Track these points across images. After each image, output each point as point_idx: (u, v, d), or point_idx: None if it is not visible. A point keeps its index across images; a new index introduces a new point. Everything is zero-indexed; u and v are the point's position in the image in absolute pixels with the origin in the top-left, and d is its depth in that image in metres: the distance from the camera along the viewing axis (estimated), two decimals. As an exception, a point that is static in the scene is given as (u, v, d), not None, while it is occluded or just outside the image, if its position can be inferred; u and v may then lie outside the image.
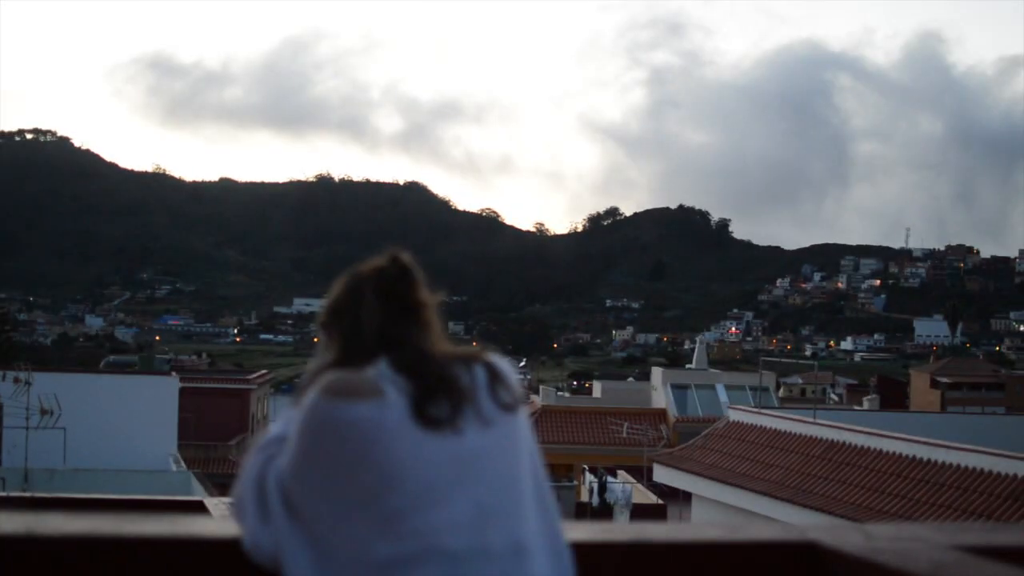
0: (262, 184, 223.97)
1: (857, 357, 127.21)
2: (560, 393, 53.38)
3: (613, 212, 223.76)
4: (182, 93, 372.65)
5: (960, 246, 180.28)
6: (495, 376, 2.03)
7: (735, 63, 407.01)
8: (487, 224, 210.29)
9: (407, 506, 1.84)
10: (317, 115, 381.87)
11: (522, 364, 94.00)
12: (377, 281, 2.04)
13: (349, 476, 1.87)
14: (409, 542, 1.82)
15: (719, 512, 17.51)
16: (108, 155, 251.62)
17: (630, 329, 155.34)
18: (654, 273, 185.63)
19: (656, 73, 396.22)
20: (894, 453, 15.44)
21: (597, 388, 51.34)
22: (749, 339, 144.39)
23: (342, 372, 1.95)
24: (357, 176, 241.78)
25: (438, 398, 1.92)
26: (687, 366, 54.22)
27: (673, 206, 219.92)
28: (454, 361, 2.01)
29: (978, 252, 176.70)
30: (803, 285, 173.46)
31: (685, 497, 20.92)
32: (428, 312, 2.05)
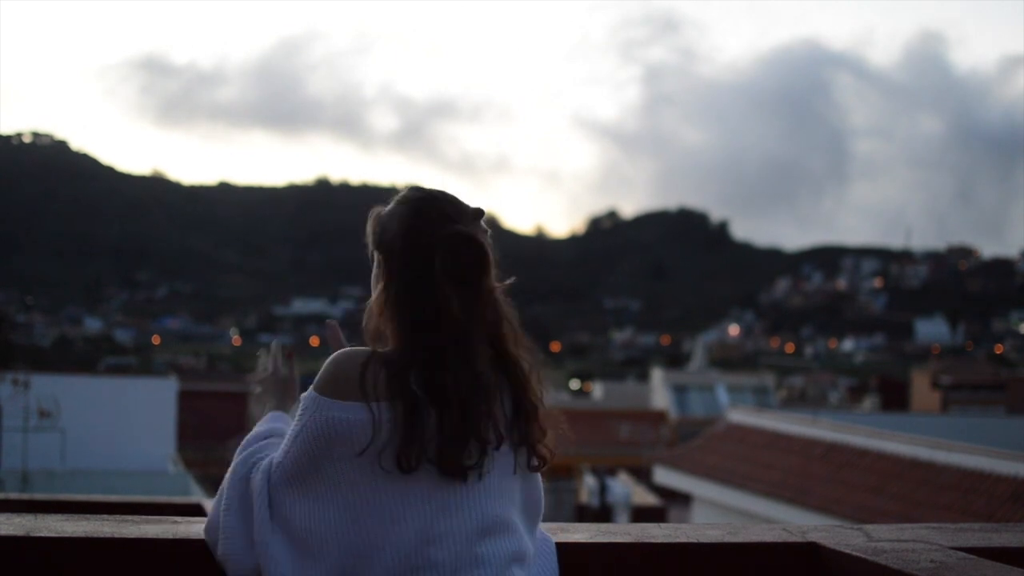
0: (260, 188, 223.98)
1: (858, 358, 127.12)
2: (559, 395, 53.36)
3: (612, 214, 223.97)
4: (179, 95, 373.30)
5: (961, 247, 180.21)
6: (529, 426, 1.90)
7: (733, 61, 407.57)
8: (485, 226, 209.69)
9: (397, 514, 1.79)
10: (312, 115, 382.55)
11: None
12: (448, 259, 1.86)
13: (337, 477, 1.81)
14: (400, 550, 1.77)
15: (719, 513, 17.51)
16: (106, 157, 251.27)
17: (630, 330, 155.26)
18: (654, 274, 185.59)
19: (653, 72, 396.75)
20: (895, 454, 15.44)
21: (597, 389, 51.35)
22: (750, 337, 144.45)
23: (357, 359, 1.85)
24: (355, 179, 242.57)
25: (452, 456, 1.80)
26: (687, 367, 54.25)
27: (672, 205, 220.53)
28: (494, 393, 1.85)
29: (979, 254, 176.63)
30: (803, 285, 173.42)
31: (685, 498, 20.92)
32: (496, 296, 1.90)
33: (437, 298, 1.83)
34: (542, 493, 2.00)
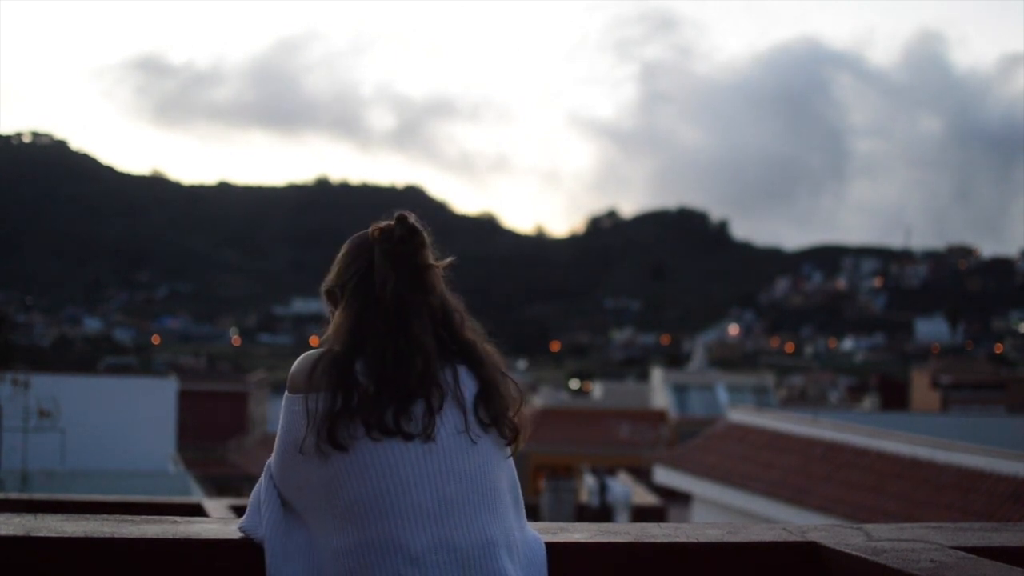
0: (260, 188, 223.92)
1: (858, 357, 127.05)
2: (559, 395, 53.36)
3: (612, 214, 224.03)
4: (177, 95, 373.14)
5: (960, 247, 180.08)
6: (492, 403, 1.97)
7: (732, 60, 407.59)
8: (486, 226, 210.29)
9: (365, 498, 1.84)
10: (311, 115, 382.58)
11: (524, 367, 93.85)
12: (384, 242, 1.99)
13: (307, 471, 1.89)
14: (369, 533, 1.82)
15: (719, 513, 17.50)
16: (105, 157, 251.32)
17: (630, 330, 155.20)
18: (654, 274, 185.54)
19: (651, 71, 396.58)
20: (895, 454, 15.43)
21: (597, 389, 51.32)
22: (749, 338, 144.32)
23: (311, 357, 1.95)
24: (354, 178, 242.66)
25: (390, 414, 1.87)
26: (687, 367, 54.22)
27: (671, 204, 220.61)
28: (432, 357, 1.93)
29: (978, 254, 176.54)
30: (803, 285, 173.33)
31: (685, 498, 20.91)
32: (436, 276, 2.02)
33: (377, 282, 1.94)
34: (516, 474, 2.05)
